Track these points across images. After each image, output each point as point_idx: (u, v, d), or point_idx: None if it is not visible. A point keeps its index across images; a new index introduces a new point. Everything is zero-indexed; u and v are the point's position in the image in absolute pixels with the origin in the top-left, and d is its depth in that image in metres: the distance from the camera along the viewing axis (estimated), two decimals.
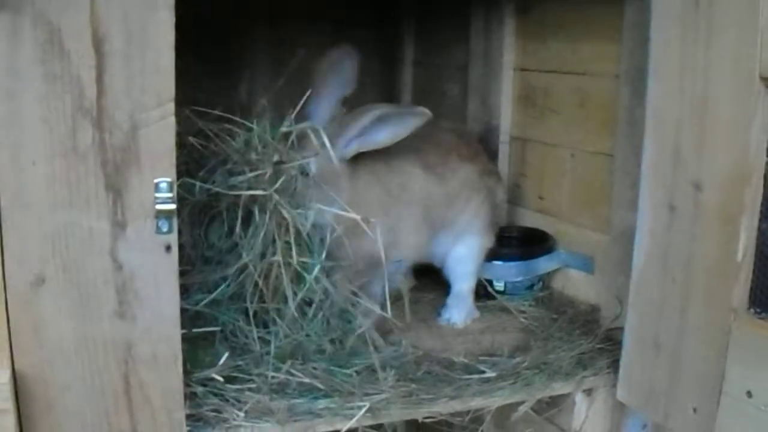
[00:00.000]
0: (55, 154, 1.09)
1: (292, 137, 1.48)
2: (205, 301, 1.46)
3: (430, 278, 1.91)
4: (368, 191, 1.60)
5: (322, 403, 1.36)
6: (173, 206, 1.14)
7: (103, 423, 1.19)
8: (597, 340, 1.65)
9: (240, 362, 1.41)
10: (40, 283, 1.12)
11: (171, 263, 1.17)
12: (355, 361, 1.46)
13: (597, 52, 1.78)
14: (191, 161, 1.49)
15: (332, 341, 1.49)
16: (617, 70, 1.65)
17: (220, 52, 2.20)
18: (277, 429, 1.30)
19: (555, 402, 1.59)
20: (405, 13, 2.45)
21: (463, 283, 1.84)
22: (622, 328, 1.51)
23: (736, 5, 1.20)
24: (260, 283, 1.43)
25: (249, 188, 1.43)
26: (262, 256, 1.43)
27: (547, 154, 1.98)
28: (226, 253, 1.49)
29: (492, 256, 1.87)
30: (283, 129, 1.48)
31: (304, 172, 1.52)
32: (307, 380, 1.40)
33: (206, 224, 1.53)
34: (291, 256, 1.42)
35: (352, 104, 1.61)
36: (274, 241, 1.42)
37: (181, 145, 1.18)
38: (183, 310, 1.22)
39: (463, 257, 1.83)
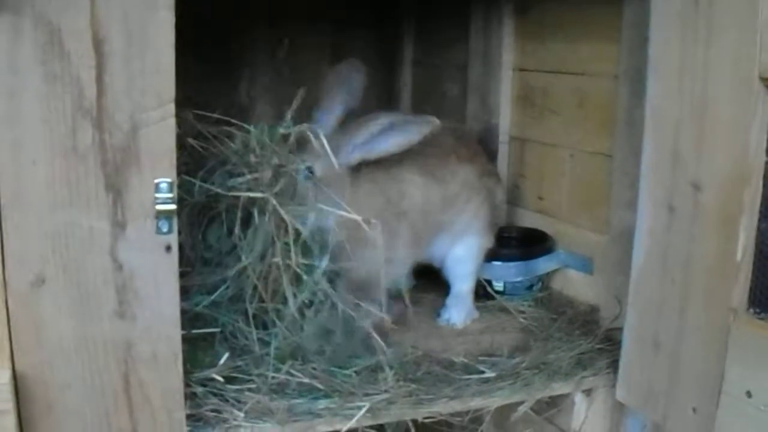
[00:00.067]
0: (56, 154, 1.09)
1: (292, 139, 1.48)
2: (204, 303, 1.46)
3: (430, 279, 1.91)
4: (369, 200, 1.60)
5: (322, 404, 1.36)
6: (173, 206, 1.14)
7: (103, 423, 1.19)
8: (596, 341, 1.65)
9: (240, 362, 1.40)
10: (41, 283, 1.12)
11: (171, 263, 1.17)
12: (355, 361, 1.46)
13: (596, 53, 1.78)
14: (191, 162, 1.49)
15: (332, 342, 1.48)
16: (616, 70, 1.65)
17: (220, 52, 2.20)
18: (277, 429, 1.30)
19: (554, 402, 1.59)
20: (405, 13, 2.45)
21: (462, 284, 1.84)
22: (621, 329, 1.51)
23: (736, 5, 1.20)
24: (259, 286, 1.43)
25: (248, 190, 1.43)
26: (262, 258, 1.43)
27: (546, 154, 1.98)
28: (226, 255, 1.49)
29: (491, 256, 1.87)
30: (282, 131, 1.48)
31: (309, 176, 1.52)
32: (307, 380, 1.40)
33: (205, 226, 1.53)
34: (290, 258, 1.42)
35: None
36: (273, 242, 1.42)
37: (180, 146, 1.18)
38: (183, 312, 1.22)
39: (463, 258, 1.83)
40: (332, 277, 1.47)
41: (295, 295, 1.43)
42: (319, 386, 1.39)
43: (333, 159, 1.50)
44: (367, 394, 1.39)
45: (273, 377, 1.39)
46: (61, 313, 1.14)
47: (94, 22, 1.07)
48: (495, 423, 1.63)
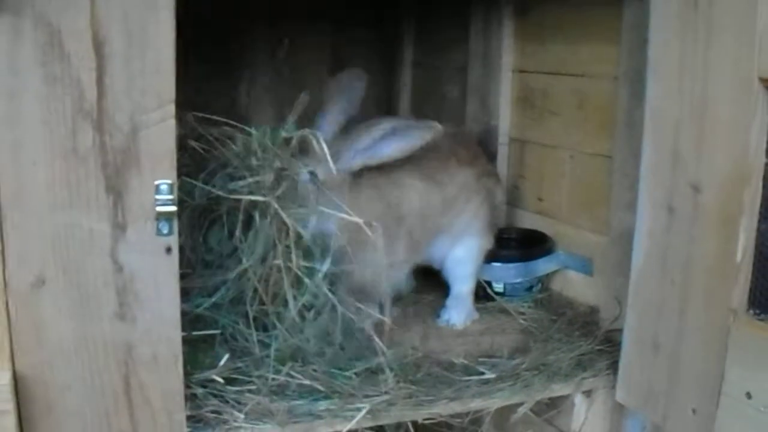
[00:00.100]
0: (56, 155, 1.09)
1: (293, 143, 1.48)
2: (205, 305, 1.45)
3: (430, 280, 1.91)
4: (370, 204, 1.59)
5: (322, 405, 1.36)
6: (173, 208, 1.14)
7: (103, 424, 1.19)
8: (596, 342, 1.65)
9: (240, 364, 1.40)
10: (41, 285, 1.12)
11: (171, 265, 1.17)
12: (355, 363, 1.46)
13: (596, 54, 1.79)
14: (191, 164, 1.49)
15: (332, 344, 1.48)
16: (616, 71, 1.66)
17: (220, 52, 2.20)
18: (277, 430, 1.30)
19: (554, 403, 1.59)
20: (404, 14, 2.45)
21: (462, 285, 1.84)
22: (621, 330, 1.51)
23: (735, 7, 1.20)
24: (260, 289, 1.43)
25: (249, 193, 1.43)
26: (262, 260, 1.43)
27: (546, 155, 1.98)
28: (226, 258, 1.49)
29: (491, 257, 1.87)
30: (283, 134, 1.48)
31: (312, 180, 1.52)
32: (307, 382, 1.39)
33: (206, 228, 1.53)
34: (291, 260, 1.42)
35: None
36: (274, 245, 1.42)
37: (180, 148, 1.18)
38: (183, 313, 1.22)
39: (462, 259, 1.83)
40: (333, 280, 1.47)
41: (295, 298, 1.43)
42: (320, 388, 1.39)
43: (331, 163, 1.49)
44: (367, 396, 1.39)
45: (273, 379, 1.39)
46: (62, 315, 1.14)
47: (94, 22, 1.07)
48: (495, 424, 1.63)
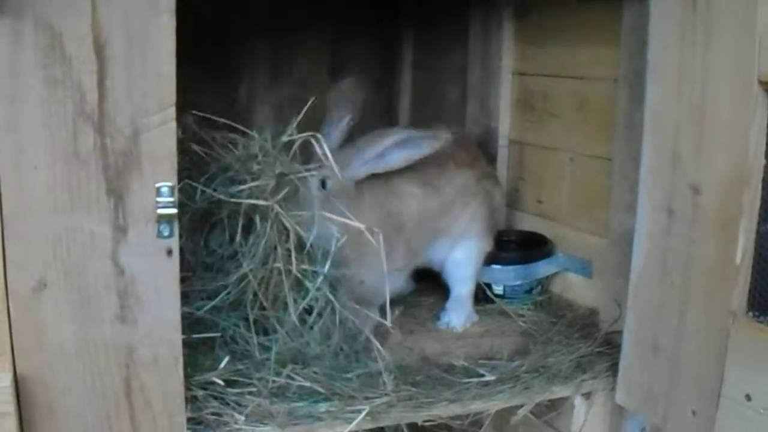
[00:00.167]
0: (57, 158, 1.09)
1: (295, 147, 1.48)
2: (206, 308, 1.46)
3: (429, 282, 1.91)
4: (371, 212, 1.59)
5: (322, 407, 1.36)
6: (174, 210, 1.14)
7: (104, 426, 1.19)
8: (596, 344, 1.65)
9: (240, 366, 1.40)
10: (42, 288, 1.12)
11: (172, 267, 1.17)
12: (355, 366, 1.46)
13: (595, 56, 1.79)
14: (192, 167, 1.49)
15: (331, 347, 1.48)
16: (615, 74, 1.66)
17: (219, 53, 2.19)
18: None
19: (554, 405, 1.59)
20: (404, 16, 2.45)
21: (462, 287, 1.84)
22: (621, 332, 1.51)
23: (734, 9, 1.21)
24: (260, 293, 1.43)
25: (250, 197, 1.43)
26: (263, 264, 1.43)
27: (545, 157, 1.98)
28: (227, 261, 1.49)
29: (491, 259, 1.87)
30: (285, 138, 1.48)
31: (322, 187, 1.53)
32: (307, 384, 1.39)
33: (207, 231, 1.53)
34: (291, 263, 1.43)
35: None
36: (275, 248, 1.42)
37: (181, 151, 1.18)
38: (183, 316, 1.22)
39: (462, 261, 1.83)
40: (334, 283, 1.47)
41: (295, 301, 1.43)
42: (320, 390, 1.39)
43: (335, 167, 1.50)
44: (367, 398, 1.39)
45: (273, 381, 1.39)
46: (63, 317, 1.14)
47: (95, 26, 1.07)
48: (495, 426, 1.63)
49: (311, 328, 1.46)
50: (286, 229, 1.42)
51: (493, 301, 1.89)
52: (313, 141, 1.48)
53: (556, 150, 1.94)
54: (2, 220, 1.09)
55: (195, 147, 1.49)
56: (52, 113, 1.08)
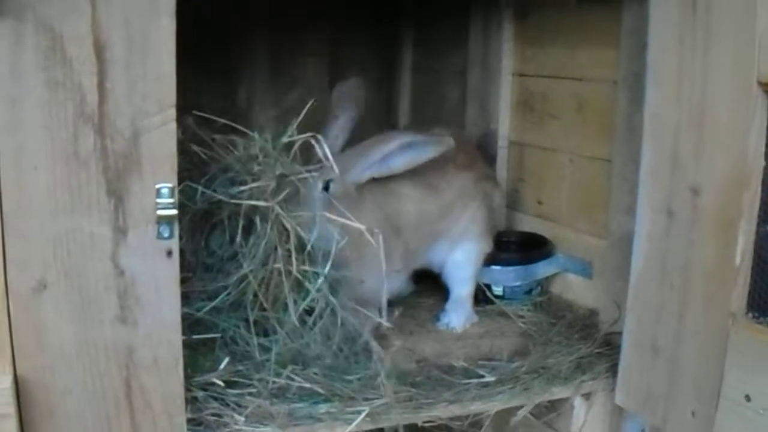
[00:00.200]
0: (57, 160, 1.09)
1: (295, 148, 1.48)
2: (205, 309, 1.46)
3: (429, 283, 1.91)
4: (371, 215, 1.59)
5: (322, 408, 1.36)
6: (174, 211, 1.14)
7: (104, 427, 1.19)
8: (595, 345, 1.65)
9: (240, 367, 1.41)
10: (42, 289, 1.12)
11: (172, 268, 1.17)
12: (355, 368, 1.46)
13: (595, 58, 1.79)
14: (192, 168, 1.49)
15: (331, 349, 1.49)
16: (615, 75, 1.66)
17: (219, 53, 2.20)
18: None
19: (554, 406, 1.59)
20: (404, 17, 2.45)
21: (461, 288, 1.84)
22: (620, 333, 1.52)
23: (734, 11, 1.21)
24: (260, 294, 1.43)
25: (250, 198, 1.43)
26: (263, 265, 1.43)
27: (545, 159, 1.98)
28: (227, 262, 1.49)
29: (490, 260, 1.88)
30: (285, 139, 1.48)
31: (325, 189, 1.54)
32: (307, 385, 1.40)
33: (207, 232, 1.53)
34: (291, 264, 1.43)
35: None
36: (275, 249, 1.42)
37: (182, 152, 1.18)
38: (183, 317, 1.22)
39: (462, 262, 1.83)
40: (334, 285, 1.47)
41: (295, 302, 1.43)
42: (320, 391, 1.39)
43: (335, 167, 1.50)
44: (367, 399, 1.39)
45: (273, 382, 1.39)
46: (63, 319, 1.14)
47: (95, 27, 1.07)
48: (494, 427, 1.63)
49: (311, 329, 1.46)
50: (286, 230, 1.42)
51: (492, 302, 1.89)
52: (313, 142, 1.48)
53: (555, 151, 1.94)
54: (2, 221, 1.09)
55: (195, 148, 1.49)
56: (52, 115, 1.08)
